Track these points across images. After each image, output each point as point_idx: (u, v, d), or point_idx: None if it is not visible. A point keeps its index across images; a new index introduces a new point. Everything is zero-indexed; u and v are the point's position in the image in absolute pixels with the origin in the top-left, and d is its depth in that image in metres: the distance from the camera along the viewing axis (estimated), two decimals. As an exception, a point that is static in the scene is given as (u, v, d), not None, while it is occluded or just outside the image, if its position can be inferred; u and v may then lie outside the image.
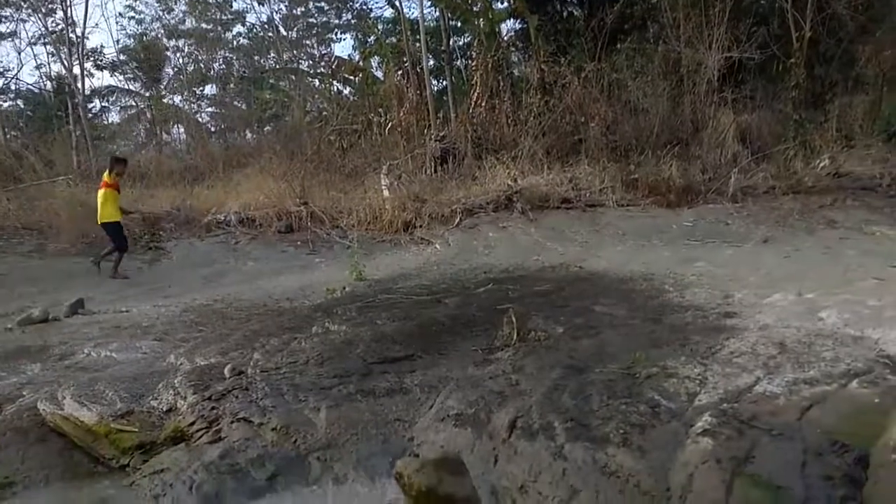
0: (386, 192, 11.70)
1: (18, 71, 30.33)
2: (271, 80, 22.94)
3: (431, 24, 17.93)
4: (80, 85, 19.01)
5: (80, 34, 19.34)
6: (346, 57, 21.32)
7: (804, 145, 11.10)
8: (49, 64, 21.44)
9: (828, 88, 12.40)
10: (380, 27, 20.76)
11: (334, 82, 19.94)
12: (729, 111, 11.97)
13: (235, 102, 23.76)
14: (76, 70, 19.20)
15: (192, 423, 3.15)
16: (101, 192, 8.66)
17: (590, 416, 2.71)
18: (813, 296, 4.52)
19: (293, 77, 21.70)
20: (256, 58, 24.84)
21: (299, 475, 2.75)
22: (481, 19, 15.01)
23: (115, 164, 8.99)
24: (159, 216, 11.25)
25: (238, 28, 24.96)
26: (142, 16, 23.35)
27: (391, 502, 2.48)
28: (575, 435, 2.56)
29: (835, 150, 10.79)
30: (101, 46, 31.21)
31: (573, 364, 3.44)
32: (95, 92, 22.73)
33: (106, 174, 8.82)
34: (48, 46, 20.19)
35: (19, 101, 21.78)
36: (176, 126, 21.90)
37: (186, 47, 23.43)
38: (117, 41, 28.05)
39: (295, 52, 23.83)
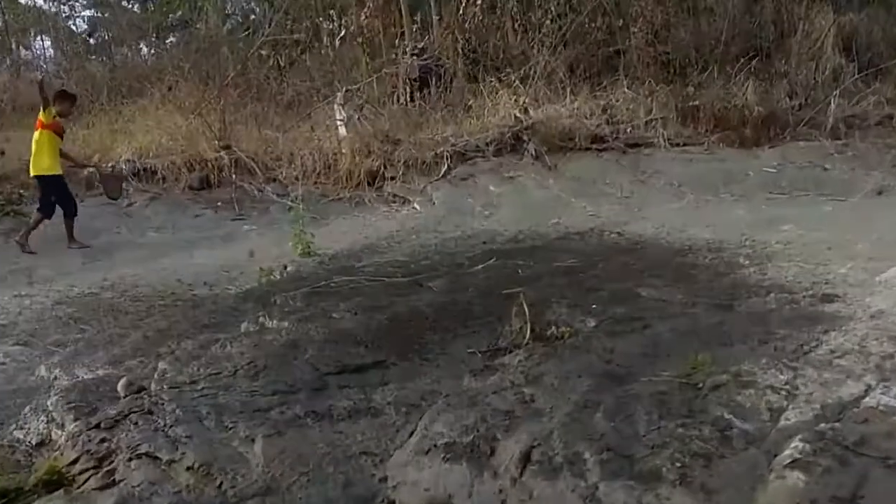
0: (342, 131, 11.64)
1: None
2: (175, -30, 22.58)
3: None
4: None
5: None
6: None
7: (933, 56, 11.13)
8: None
9: (968, -26, 12.37)
10: None
11: (265, -28, 19.64)
12: (827, 9, 11.94)
13: (124, 2, 23.39)
14: None
15: (75, 462, 3.14)
16: (35, 135, 8.69)
17: (634, 444, 2.73)
18: (945, 270, 4.56)
19: (206, -35, 21.37)
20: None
21: (227, 532, 2.76)
22: None
23: (58, 100, 8.94)
24: (15, 170, 11.06)
25: None
26: None
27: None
28: (613, 471, 2.58)
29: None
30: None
31: (610, 371, 3.46)
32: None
33: (42, 112, 8.75)
34: None
35: None
36: (39, 37, 21.56)
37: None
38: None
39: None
